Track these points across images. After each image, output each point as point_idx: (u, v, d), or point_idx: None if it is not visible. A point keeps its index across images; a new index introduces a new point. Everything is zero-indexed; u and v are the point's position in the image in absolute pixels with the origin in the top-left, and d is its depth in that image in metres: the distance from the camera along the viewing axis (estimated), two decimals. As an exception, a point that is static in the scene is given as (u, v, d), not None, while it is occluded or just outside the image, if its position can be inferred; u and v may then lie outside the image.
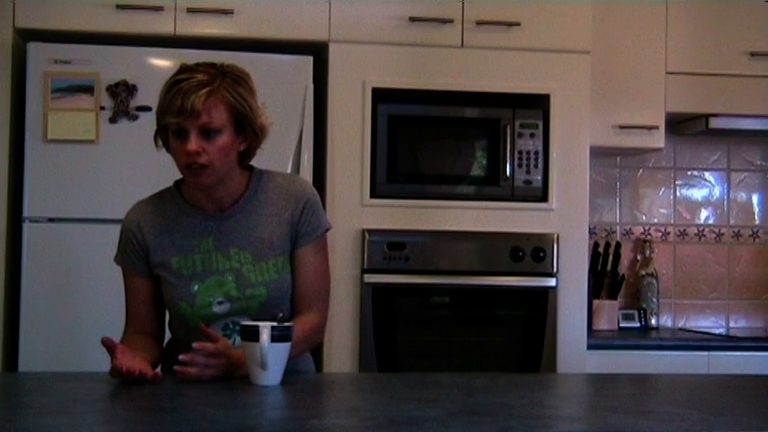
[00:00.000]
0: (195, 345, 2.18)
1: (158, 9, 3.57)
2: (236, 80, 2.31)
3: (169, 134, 2.30)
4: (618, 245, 4.34)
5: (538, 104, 3.75)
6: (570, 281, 3.72)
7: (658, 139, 4.03)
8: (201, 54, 3.54)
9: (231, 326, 2.37)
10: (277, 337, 2.14)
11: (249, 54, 3.51)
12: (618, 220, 4.42)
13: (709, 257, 4.46)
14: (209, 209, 2.39)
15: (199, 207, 2.39)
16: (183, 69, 2.30)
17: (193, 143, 2.25)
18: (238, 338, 2.30)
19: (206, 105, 2.24)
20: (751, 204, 4.51)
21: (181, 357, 2.19)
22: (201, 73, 2.28)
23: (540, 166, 3.72)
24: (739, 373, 3.14)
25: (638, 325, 4.25)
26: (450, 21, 3.70)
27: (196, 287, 2.35)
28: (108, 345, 2.16)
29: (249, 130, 2.33)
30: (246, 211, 2.39)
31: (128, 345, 2.28)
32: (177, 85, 2.26)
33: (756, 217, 4.51)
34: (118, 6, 3.54)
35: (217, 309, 2.35)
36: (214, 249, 2.37)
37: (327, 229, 2.47)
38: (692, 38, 4.05)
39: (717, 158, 4.49)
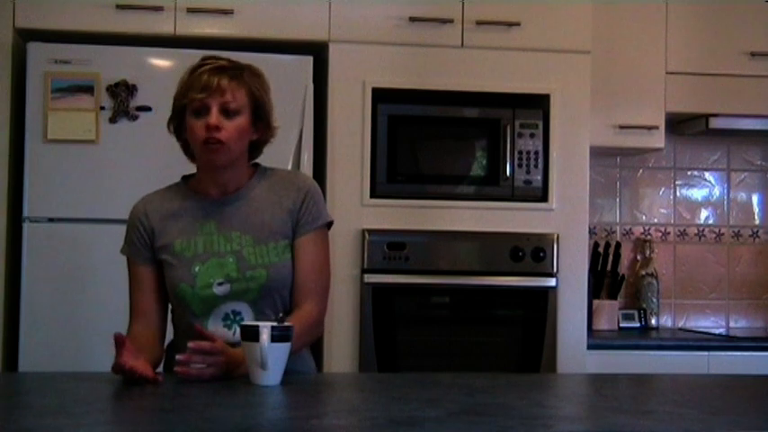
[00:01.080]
0: (191, 344, 2.19)
1: (158, 9, 3.57)
2: (255, 73, 2.44)
3: (187, 115, 2.38)
4: (618, 245, 4.34)
5: (538, 104, 3.75)
6: (570, 281, 3.72)
7: (658, 139, 4.03)
8: (202, 54, 3.55)
9: (232, 316, 2.40)
10: (277, 337, 2.14)
11: (249, 54, 3.49)
12: (618, 220, 4.43)
13: (709, 257, 4.46)
14: (214, 194, 2.44)
15: (203, 193, 2.45)
16: (206, 57, 2.43)
17: (214, 117, 2.34)
18: (238, 329, 2.32)
19: (230, 85, 2.36)
20: (751, 204, 4.51)
21: (178, 357, 2.19)
22: (224, 60, 2.42)
23: (540, 166, 3.72)
24: (739, 373, 3.14)
25: (638, 325, 4.25)
26: (451, 21, 3.70)
27: (197, 268, 2.39)
28: (118, 340, 2.16)
29: (263, 121, 2.44)
30: (249, 197, 2.45)
31: (131, 342, 2.29)
32: (202, 67, 2.39)
33: (756, 217, 4.51)
34: (118, 6, 3.54)
35: (217, 290, 2.38)
36: (216, 232, 2.42)
37: (329, 223, 2.51)
38: (692, 38, 4.05)
39: (717, 158, 4.49)
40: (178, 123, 2.42)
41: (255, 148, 2.47)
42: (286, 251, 2.43)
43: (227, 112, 2.36)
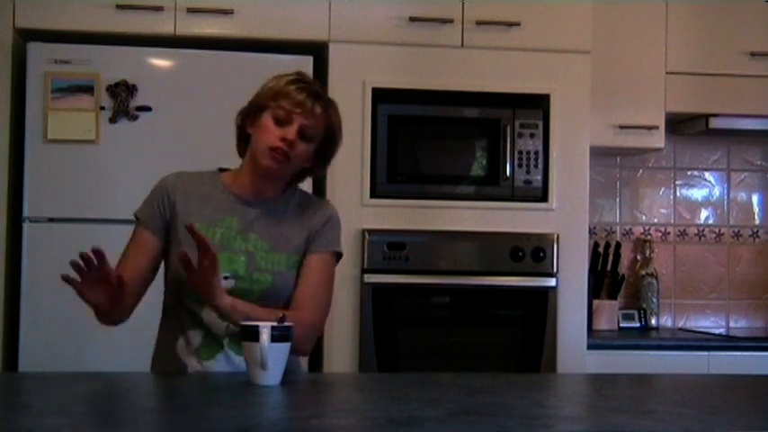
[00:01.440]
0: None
1: (158, 9, 3.57)
2: (338, 112, 2.52)
3: (265, 116, 2.43)
4: (618, 245, 4.34)
5: (538, 104, 3.75)
6: (570, 281, 3.72)
7: (658, 139, 4.03)
8: (201, 54, 3.56)
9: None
10: (277, 337, 2.14)
11: (249, 54, 3.51)
12: (618, 220, 4.42)
13: (709, 257, 4.46)
14: (245, 195, 2.48)
15: (235, 190, 2.49)
16: (302, 74, 2.50)
17: (294, 133, 2.40)
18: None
19: (319, 115, 2.43)
20: (751, 204, 4.51)
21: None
22: (318, 86, 2.50)
23: (540, 166, 3.72)
24: (739, 373, 3.14)
25: (638, 325, 4.25)
26: (451, 21, 3.70)
27: None
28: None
29: (324, 157, 2.51)
30: (276, 208, 2.49)
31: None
32: (303, 82, 2.45)
33: (756, 217, 4.51)
34: (118, 6, 3.54)
35: (221, 283, 2.38)
36: (235, 229, 2.45)
37: (339, 253, 2.54)
38: (692, 38, 4.05)
39: (717, 158, 4.49)
40: (249, 117, 2.46)
41: (300, 174, 2.54)
42: (296, 265, 2.46)
43: (303, 134, 2.42)
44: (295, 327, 2.26)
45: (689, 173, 4.48)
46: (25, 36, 3.58)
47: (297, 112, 2.40)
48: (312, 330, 2.46)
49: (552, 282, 3.70)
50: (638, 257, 4.40)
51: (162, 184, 2.50)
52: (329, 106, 2.48)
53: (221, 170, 2.55)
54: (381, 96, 3.66)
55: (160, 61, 3.57)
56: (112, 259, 2.53)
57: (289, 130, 2.40)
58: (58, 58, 3.49)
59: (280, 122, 2.41)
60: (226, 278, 2.40)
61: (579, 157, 3.77)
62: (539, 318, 3.69)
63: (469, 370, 3.58)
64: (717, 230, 4.48)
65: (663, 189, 4.46)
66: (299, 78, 2.47)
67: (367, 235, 3.61)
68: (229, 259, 2.41)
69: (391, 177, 3.68)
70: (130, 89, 3.51)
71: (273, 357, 2.13)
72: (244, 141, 2.51)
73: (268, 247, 2.44)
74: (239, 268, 2.41)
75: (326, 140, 2.48)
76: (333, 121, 2.48)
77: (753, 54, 4.06)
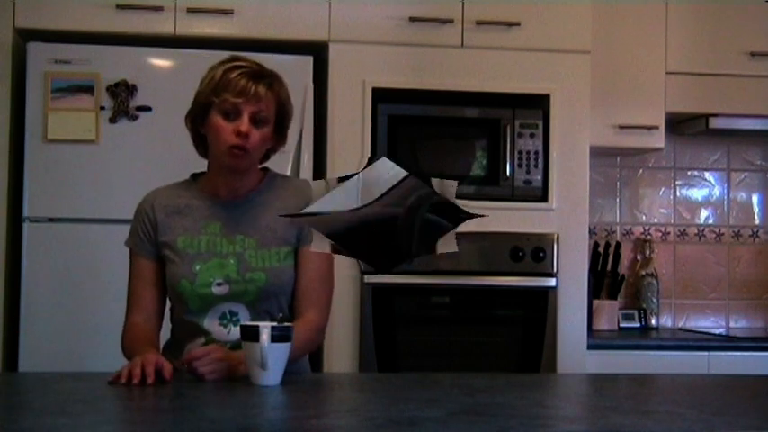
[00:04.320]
0: (185, 358, 2.23)
1: (158, 9, 3.57)
2: (282, 82, 2.44)
3: (213, 113, 2.37)
4: (618, 245, 4.34)
5: (538, 104, 3.75)
6: (570, 281, 3.72)
7: (658, 139, 4.03)
8: (201, 54, 3.55)
9: (228, 316, 2.41)
10: (277, 337, 2.14)
11: (249, 54, 3.50)
12: (618, 220, 4.42)
13: (709, 257, 4.46)
14: (223, 195, 2.45)
15: (212, 193, 2.46)
16: (236, 57, 2.42)
17: (246, 125, 2.34)
18: (234, 328, 2.36)
19: (265, 95, 2.36)
20: (751, 204, 4.51)
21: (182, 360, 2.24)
22: (256, 65, 2.41)
23: (540, 166, 3.72)
24: (739, 373, 3.14)
25: (638, 325, 4.25)
26: (451, 21, 3.70)
27: (198, 267, 2.40)
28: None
29: (282, 133, 2.46)
30: (257, 202, 2.46)
31: (133, 336, 2.38)
32: (239, 68, 2.37)
33: (756, 217, 4.51)
34: (118, 6, 3.55)
35: (215, 290, 2.39)
36: (220, 234, 2.43)
37: None
38: (692, 38, 4.05)
39: (717, 158, 4.49)
40: (202, 118, 2.40)
41: (264, 155, 2.49)
42: (288, 257, 2.44)
43: (255, 120, 2.36)
44: (306, 336, 2.32)
45: (689, 173, 4.48)
46: (25, 36, 3.58)
47: (242, 100, 2.33)
48: (322, 329, 2.48)
49: (552, 282, 3.70)
50: (638, 257, 4.40)
51: (141, 206, 2.49)
52: (273, 82, 2.39)
53: (195, 176, 2.51)
54: (381, 96, 3.66)
55: (160, 61, 3.57)
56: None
57: (241, 123, 2.33)
58: (58, 58, 3.49)
59: (228, 116, 2.35)
60: (219, 284, 2.39)
61: (579, 157, 3.77)
62: (539, 318, 3.69)
63: (469, 370, 3.58)
64: (717, 230, 4.48)
65: (663, 189, 4.46)
66: (234, 64, 2.38)
67: (367, 235, 3.61)
68: (220, 264, 2.40)
69: (391, 177, 3.67)
70: (130, 89, 3.52)
71: (273, 357, 2.13)
72: (201, 143, 2.46)
73: (256, 244, 2.42)
74: (231, 272, 2.40)
75: (280, 117, 2.42)
76: (281, 97, 2.40)
77: (753, 54, 4.06)
